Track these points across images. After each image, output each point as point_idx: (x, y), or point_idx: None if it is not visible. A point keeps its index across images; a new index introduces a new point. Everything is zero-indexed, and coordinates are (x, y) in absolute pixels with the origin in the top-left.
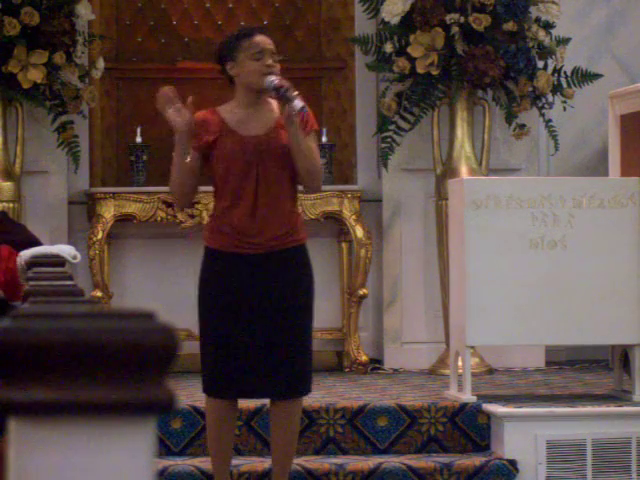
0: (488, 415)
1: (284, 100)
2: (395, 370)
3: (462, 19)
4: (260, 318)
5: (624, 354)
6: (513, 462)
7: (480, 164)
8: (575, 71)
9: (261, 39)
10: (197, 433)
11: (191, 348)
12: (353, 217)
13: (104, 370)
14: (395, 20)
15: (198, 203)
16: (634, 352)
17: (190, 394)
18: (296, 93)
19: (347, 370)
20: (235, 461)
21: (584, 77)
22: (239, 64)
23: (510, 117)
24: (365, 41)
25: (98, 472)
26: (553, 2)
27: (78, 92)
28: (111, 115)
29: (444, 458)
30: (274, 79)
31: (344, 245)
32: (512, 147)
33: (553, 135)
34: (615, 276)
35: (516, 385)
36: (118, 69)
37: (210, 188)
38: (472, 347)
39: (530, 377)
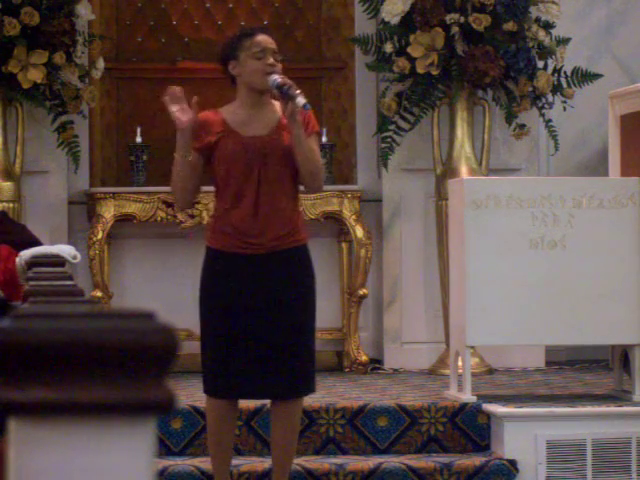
0: (488, 415)
1: (287, 98)
2: (395, 370)
3: (462, 19)
4: (261, 318)
5: (624, 354)
6: (513, 462)
7: (480, 164)
8: (575, 71)
9: (263, 38)
10: (197, 433)
11: (191, 348)
12: (353, 217)
13: (104, 370)
14: (395, 20)
15: (198, 203)
16: (634, 352)
17: (190, 394)
18: (299, 91)
19: (347, 370)
20: (235, 461)
21: (584, 77)
22: (241, 63)
23: (510, 117)
24: (365, 41)
25: (98, 472)
26: (553, 2)
27: (78, 92)
28: (111, 115)
29: (444, 458)
30: (277, 77)
31: (344, 245)
32: (512, 147)
33: (553, 135)
34: (615, 276)
35: (516, 385)
36: (118, 69)
37: (210, 188)
38: (472, 347)
39: (530, 377)
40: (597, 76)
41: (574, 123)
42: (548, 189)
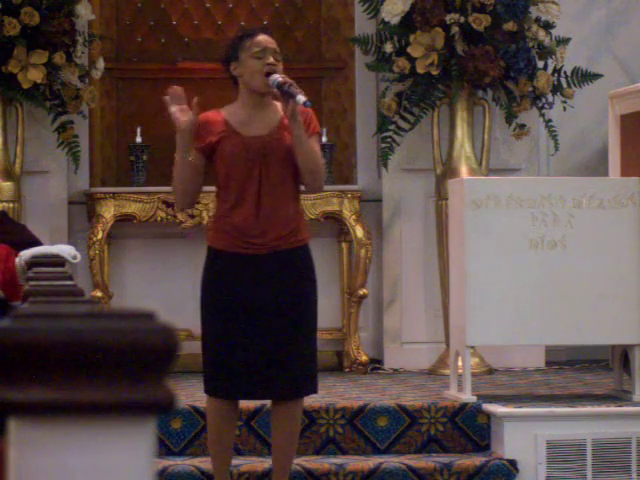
0: (488, 415)
1: (288, 96)
2: (395, 370)
3: (462, 19)
4: (263, 318)
5: (624, 354)
6: (513, 462)
7: (480, 164)
8: (575, 71)
9: (263, 38)
10: (197, 433)
11: (191, 348)
12: (353, 217)
13: (104, 370)
14: (395, 20)
15: (198, 203)
16: (634, 352)
17: (190, 394)
18: (299, 90)
19: (347, 370)
20: (235, 461)
21: (584, 77)
22: (242, 64)
23: (510, 117)
24: (365, 41)
25: (98, 472)
26: (553, 2)
27: (78, 92)
28: (111, 115)
29: (444, 458)
30: (277, 76)
31: (344, 245)
32: (512, 147)
33: (553, 135)
34: (615, 276)
35: (516, 385)
36: (118, 69)
37: (210, 188)
38: (472, 347)
39: (530, 377)
40: (597, 76)
41: (574, 123)
42: (548, 189)
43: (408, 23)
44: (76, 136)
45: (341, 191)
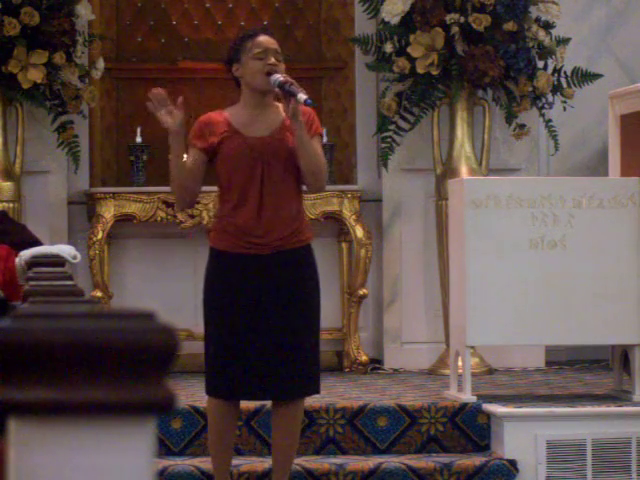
0: (488, 415)
1: (289, 95)
2: (395, 370)
3: (462, 19)
4: (266, 319)
5: (624, 354)
6: (513, 462)
7: (480, 164)
8: (575, 71)
9: (264, 39)
10: (197, 433)
11: (191, 348)
12: (353, 217)
13: (104, 370)
14: (395, 20)
15: (198, 203)
16: (634, 352)
17: (190, 394)
18: (301, 89)
19: (347, 370)
20: (235, 461)
21: (584, 77)
22: (243, 65)
23: (510, 117)
24: (365, 41)
25: (98, 472)
26: (553, 2)
27: (78, 92)
28: (111, 115)
29: (444, 458)
30: (279, 76)
31: (344, 245)
32: (512, 147)
33: (553, 135)
34: (615, 276)
35: (516, 385)
36: (118, 69)
37: (210, 188)
38: (472, 347)
39: (530, 377)
40: (597, 76)
41: (574, 123)
42: (548, 189)
43: (408, 23)
44: (76, 136)
45: (341, 191)
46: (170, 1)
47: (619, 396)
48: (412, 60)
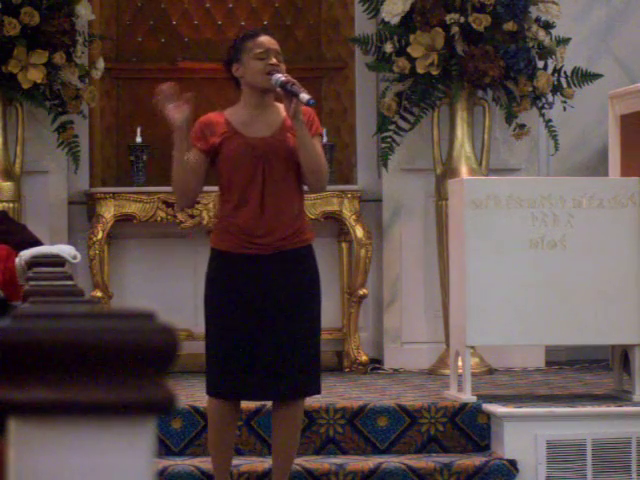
0: (488, 415)
1: (291, 95)
2: (395, 370)
3: (462, 19)
4: (266, 319)
5: (624, 354)
6: (513, 462)
7: (480, 164)
8: (575, 71)
9: (265, 39)
10: (197, 433)
11: (191, 348)
12: (353, 217)
13: (104, 370)
14: (395, 20)
15: (198, 203)
16: (634, 352)
17: (190, 394)
18: (303, 89)
19: (347, 370)
20: (235, 461)
21: (584, 77)
22: (244, 65)
23: (510, 117)
24: (365, 41)
25: (98, 472)
26: (553, 2)
27: (78, 92)
28: (111, 115)
29: (444, 458)
30: (280, 76)
31: (344, 245)
32: (512, 147)
33: (553, 135)
34: (615, 276)
35: (516, 385)
36: (118, 69)
37: (210, 188)
38: (472, 347)
39: (530, 377)
40: (597, 76)
41: (574, 123)
42: (548, 189)
43: (408, 23)
44: (76, 136)
45: (341, 191)
46: (170, 1)
47: (619, 396)
48: (412, 60)
